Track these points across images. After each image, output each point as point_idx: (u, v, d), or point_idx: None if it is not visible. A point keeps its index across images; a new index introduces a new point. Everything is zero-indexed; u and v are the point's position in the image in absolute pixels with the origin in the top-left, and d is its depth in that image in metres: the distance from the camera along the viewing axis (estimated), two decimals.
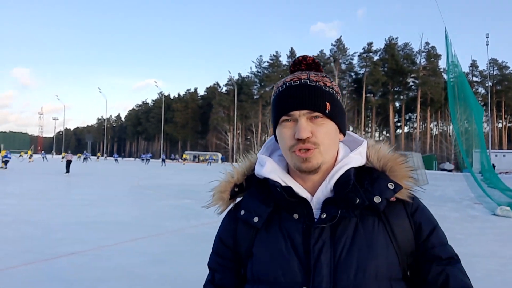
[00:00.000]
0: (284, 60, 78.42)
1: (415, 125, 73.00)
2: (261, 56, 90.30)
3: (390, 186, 0.79)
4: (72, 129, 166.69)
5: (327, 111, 0.78)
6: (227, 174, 0.91)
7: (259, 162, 0.87)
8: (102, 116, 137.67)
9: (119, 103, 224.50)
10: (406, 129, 76.63)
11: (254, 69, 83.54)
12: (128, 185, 16.73)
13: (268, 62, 78.38)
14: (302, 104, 0.77)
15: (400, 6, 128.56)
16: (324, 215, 0.77)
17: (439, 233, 0.83)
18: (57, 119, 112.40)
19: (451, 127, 64.35)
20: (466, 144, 17.87)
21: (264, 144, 0.92)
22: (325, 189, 0.80)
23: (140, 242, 5.95)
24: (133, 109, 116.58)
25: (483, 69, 70.26)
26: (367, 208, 0.78)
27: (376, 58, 71.43)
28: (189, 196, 12.81)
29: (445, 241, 0.83)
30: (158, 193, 13.77)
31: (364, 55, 71.82)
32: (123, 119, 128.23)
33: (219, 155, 71.37)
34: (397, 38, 71.62)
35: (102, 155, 72.09)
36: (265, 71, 77.66)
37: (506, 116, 73.56)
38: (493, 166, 34.70)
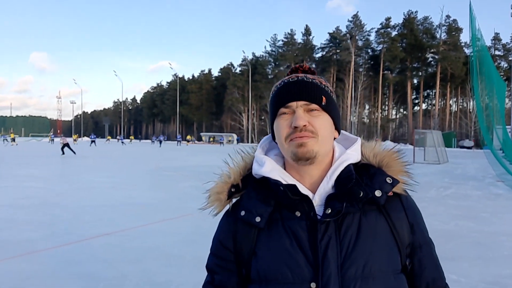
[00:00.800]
0: (299, 38, 77.15)
1: (433, 102, 71.35)
2: (275, 34, 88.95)
3: (388, 180, 0.82)
4: (89, 112, 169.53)
5: (323, 103, 0.82)
6: (223, 175, 0.91)
7: (257, 162, 0.88)
8: (118, 99, 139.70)
9: (134, 86, 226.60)
10: (424, 106, 74.99)
11: (269, 48, 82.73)
12: (147, 168, 17.10)
13: (282, 40, 77.26)
14: (299, 96, 0.81)
15: None
16: (329, 210, 0.78)
17: (426, 232, 0.89)
18: (75, 103, 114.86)
19: (471, 103, 62.64)
20: (487, 121, 17.46)
21: (259, 144, 0.94)
22: (326, 186, 0.82)
23: (169, 223, 6.16)
24: (148, 91, 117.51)
25: (507, 42, 67.48)
26: (368, 202, 0.81)
27: (394, 33, 69.40)
28: (209, 177, 12.93)
29: (429, 238, 0.90)
30: (178, 174, 14.04)
31: (382, 30, 69.85)
32: (138, 101, 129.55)
33: (235, 136, 71.66)
34: (416, 12, 69.46)
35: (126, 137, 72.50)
36: (280, 50, 76.68)
37: None
38: None
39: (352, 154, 0.86)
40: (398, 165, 0.86)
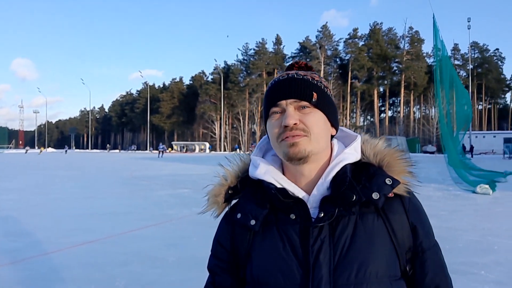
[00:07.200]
0: (270, 47, 78.36)
1: (398, 109, 74.38)
2: (247, 43, 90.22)
3: (388, 181, 0.78)
4: (54, 122, 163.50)
5: (313, 100, 0.80)
6: (221, 177, 0.91)
7: (253, 164, 0.88)
8: (85, 108, 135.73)
9: (103, 94, 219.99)
10: (390, 113, 78.14)
11: (240, 57, 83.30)
12: (122, 177, 16.99)
13: (254, 49, 78.23)
14: (288, 94, 0.79)
15: None
16: (322, 214, 0.76)
17: (430, 235, 0.85)
18: (38, 112, 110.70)
19: (433, 110, 65.98)
20: (448, 127, 18.60)
21: (257, 145, 0.93)
22: (321, 188, 0.80)
23: (150, 229, 6.34)
24: (117, 100, 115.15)
25: (465, 52, 71.74)
26: (365, 205, 0.79)
27: (361, 43, 72.12)
28: (185, 185, 13.21)
29: (434, 241, 0.85)
30: (153, 183, 14.09)
31: (350, 41, 72.38)
32: (107, 110, 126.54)
33: (207, 144, 71.55)
34: (381, 23, 72.50)
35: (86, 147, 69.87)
36: (252, 59, 77.50)
37: (486, 98, 75.71)
38: (472, 147, 35.76)
39: (350, 154, 0.83)
40: (400, 165, 0.83)
